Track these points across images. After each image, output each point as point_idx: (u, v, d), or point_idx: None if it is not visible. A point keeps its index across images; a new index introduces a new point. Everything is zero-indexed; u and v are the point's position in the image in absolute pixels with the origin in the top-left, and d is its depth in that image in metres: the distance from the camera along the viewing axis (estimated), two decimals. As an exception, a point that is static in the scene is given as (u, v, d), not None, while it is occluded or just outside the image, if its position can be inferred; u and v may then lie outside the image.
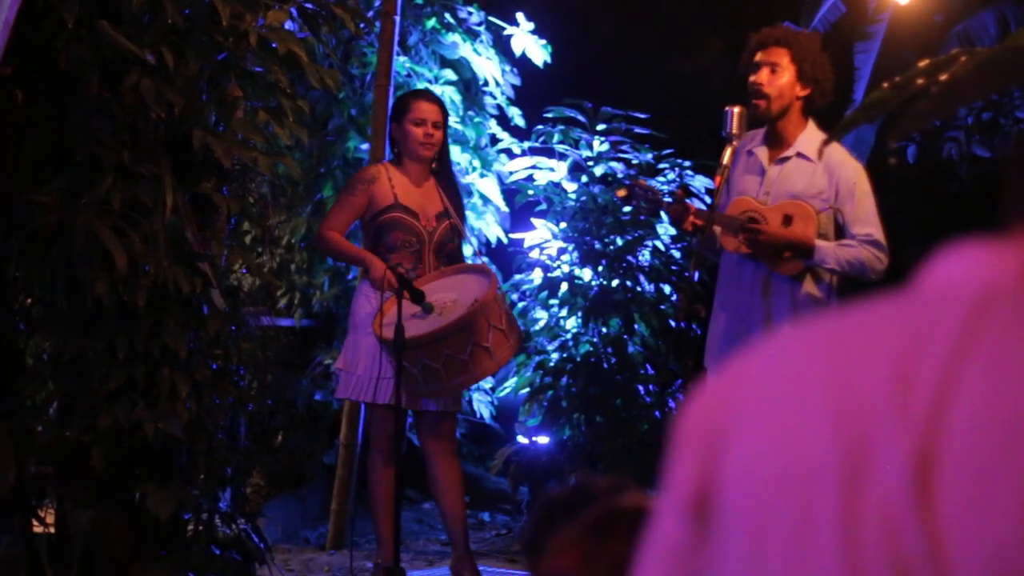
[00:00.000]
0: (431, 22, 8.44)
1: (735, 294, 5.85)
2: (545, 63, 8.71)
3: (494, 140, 8.68)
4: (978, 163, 8.65)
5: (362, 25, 6.68)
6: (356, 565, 7.63)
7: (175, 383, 5.98)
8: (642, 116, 8.57)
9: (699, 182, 8.53)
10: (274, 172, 6.22)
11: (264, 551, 6.37)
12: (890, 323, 1.27)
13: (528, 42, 8.68)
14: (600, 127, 8.54)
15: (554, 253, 8.41)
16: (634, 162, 8.51)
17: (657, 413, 8.44)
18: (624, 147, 8.53)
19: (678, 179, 8.46)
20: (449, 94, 8.48)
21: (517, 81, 8.74)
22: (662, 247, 8.40)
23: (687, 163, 8.55)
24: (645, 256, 8.42)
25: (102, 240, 5.67)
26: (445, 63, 8.57)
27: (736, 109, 5.63)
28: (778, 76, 5.79)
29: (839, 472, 1.21)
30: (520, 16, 8.68)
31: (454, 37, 8.55)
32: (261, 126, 6.18)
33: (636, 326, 8.32)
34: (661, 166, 8.52)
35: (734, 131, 5.61)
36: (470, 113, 8.62)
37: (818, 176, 5.77)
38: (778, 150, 5.86)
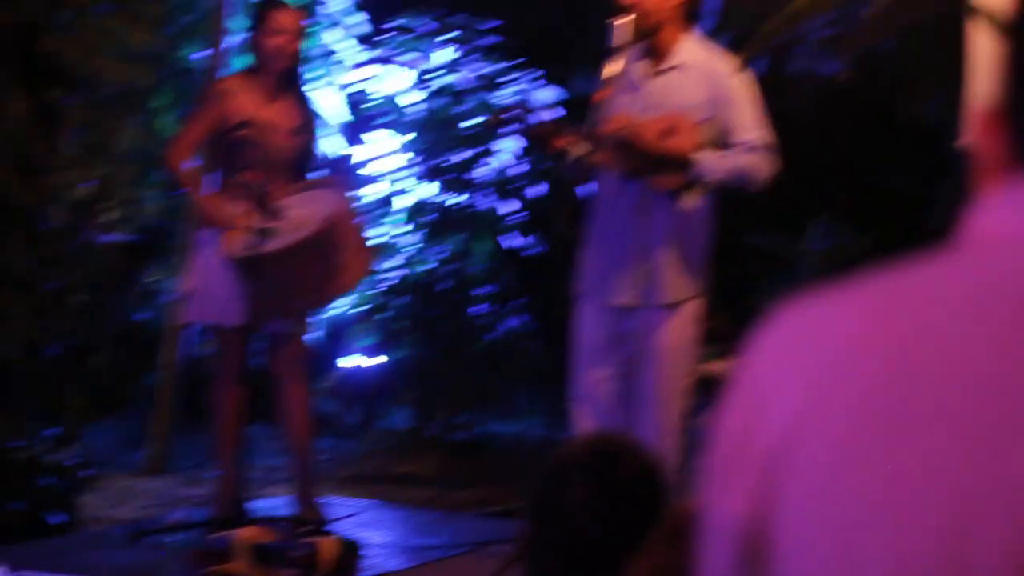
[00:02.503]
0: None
1: (610, 215, 5.67)
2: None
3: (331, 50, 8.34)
4: (819, 80, 8.64)
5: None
6: (177, 490, 7.39)
7: (14, 302, 5.67)
8: (492, 24, 8.35)
9: (544, 95, 8.35)
10: (125, 80, 5.90)
11: (87, 481, 6.13)
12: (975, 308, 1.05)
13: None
14: (449, 36, 8.29)
15: (397, 167, 8.16)
16: (478, 74, 8.28)
17: (493, 334, 8.32)
18: (473, 57, 8.30)
19: (523, 90, 8.27)
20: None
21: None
22: (503, 161, 8.23)
23: (538, 73, 8.35)
24: (483, 171, 8.25)
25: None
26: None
27: (618, 22, 5.44)
28: None
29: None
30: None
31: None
32: (112, 31, 5.85)
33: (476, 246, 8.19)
34: (508, 77, 8.31)
35: (620, 44, 5.44)
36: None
37: (698, 86, 5.59)
38: (656, 63, 5.67)
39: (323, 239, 5.83)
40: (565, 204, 5.29)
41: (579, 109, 8.66)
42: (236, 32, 7.62)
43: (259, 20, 6.21)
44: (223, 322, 6.04)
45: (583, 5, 9.87)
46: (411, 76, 8.33)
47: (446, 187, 8.17)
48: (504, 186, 8.29)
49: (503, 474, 7.94)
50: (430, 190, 8.25)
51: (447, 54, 8.35)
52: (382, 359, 8.27)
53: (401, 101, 8.27)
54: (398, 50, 8.29)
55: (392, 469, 7.99)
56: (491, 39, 8.44)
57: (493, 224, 8.27)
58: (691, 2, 5.69)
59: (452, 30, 8.36)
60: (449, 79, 8.33)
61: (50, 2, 5.59)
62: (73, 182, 6.04)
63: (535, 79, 8.45)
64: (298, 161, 6.28)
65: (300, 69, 6.36)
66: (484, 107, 8.28)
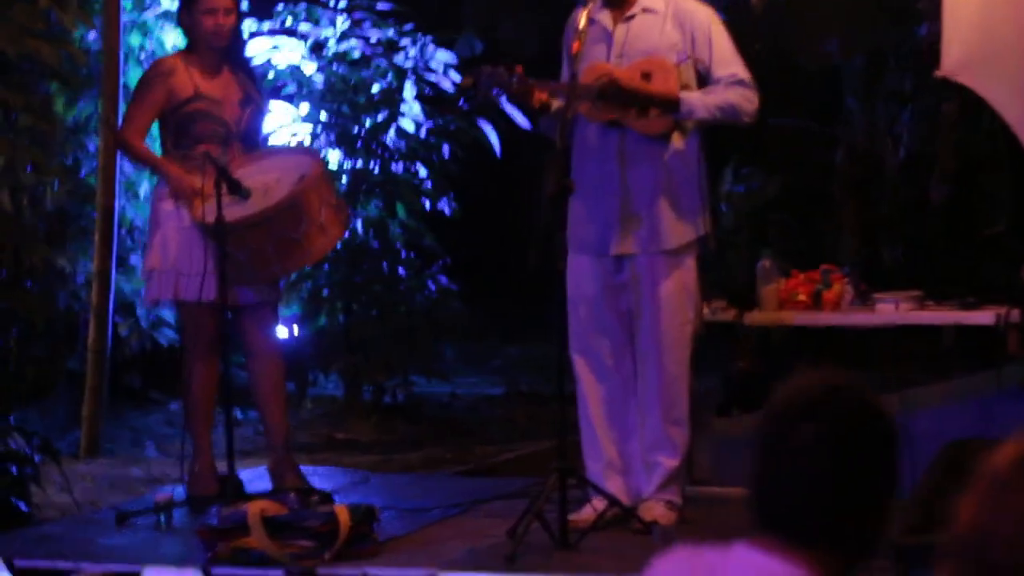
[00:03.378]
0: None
1: (597, 166, 5.57)
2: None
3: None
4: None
5: None
6: (115, 472, 7.31)
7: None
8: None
9: (441, 57, 8.37)
10: (58, 61, 5.80)
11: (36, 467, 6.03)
12: None
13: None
14: (342, 4, 8.26)
15: (304, 138, 8.12)
16: (373, 40, 8.27)
17: (418, 297, 8.34)
18: (365, 24, 8.29)
19: (419, 55, 8.28)
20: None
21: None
22: (411, 126, 8.24)
23: (428, 38, 8.37)
24: (391, 136, 8.25)
25: None
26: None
27: None
28: None
29: None
30: None
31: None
32: (43, 12, 5.74)
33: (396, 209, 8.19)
34: (403, 43, 8.32)
35: None
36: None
37: (669, 28, 5.55)
38: (621, 9, 5.60)
39: (296, 202, 5.80)
40: (554, 160, 5.22)
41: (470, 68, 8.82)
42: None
43: (189, 0, 6.16)
44: (191, 296, 5.97)
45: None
46: (305, 47, 8.30)
47: (357, 154, 8.17)
48: (416, 149, 8.31)
49: (444, 434, 8.02)
50: (338, 157, 8.23)
51: (339, 23, 8.32)
52: (307, 327, 8.25)
53: (301, 71, 8.23)
54: (292, 22, 8.24)
55: (331, 435, 7.99)
56: (382, 6, 8.43)
57: (410, 188, 8.29)
58: None
59: (341, -1, 8.34)
60: (344, 47, 8.30)
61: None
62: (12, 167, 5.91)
63: (430, 43, 8.46)
64: (249, 132, 6.25)
65: (239, 43, 6.32)
66: (382, 72, 8.29)
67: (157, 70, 6.22)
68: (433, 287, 8.42)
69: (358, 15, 8.32)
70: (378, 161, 8.23)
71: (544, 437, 7.78)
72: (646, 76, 5.54)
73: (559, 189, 5.19)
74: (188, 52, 6.23)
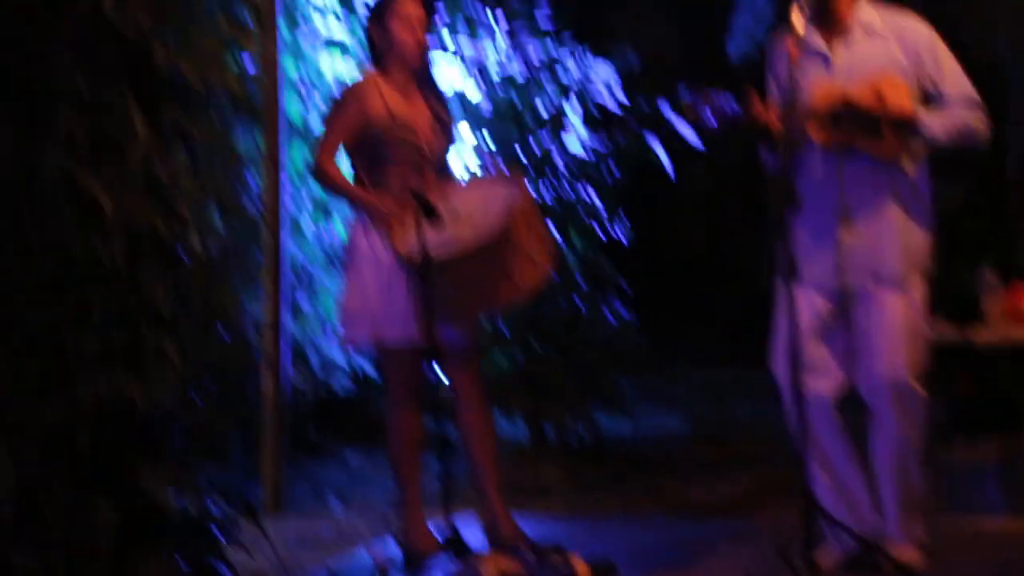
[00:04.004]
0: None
1: (822, 190, 5.22)
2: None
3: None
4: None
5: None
6: (302, 529, 6.90)
7: (160, 342, 5.17)
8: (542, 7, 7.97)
9: (601, 70, 7.96)
10: (244, 93, 5.41)
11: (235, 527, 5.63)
12: None
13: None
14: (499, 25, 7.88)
15: (474, 168, 7.69)
16: (535, 62, 7.86)
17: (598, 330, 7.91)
18: (525, 42, 7.88)
19: (579, 71, 7.87)
20: (332, 3, 7.68)
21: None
22: (579, 147, 7.82)
23: (587, 51, 7.96)
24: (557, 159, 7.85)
25: (82, 184, 4.80)
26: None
27: None
28: None
29: None
30: None
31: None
32: (225, 40, 5.36)
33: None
34: (563, 59, 7.91)
35: (800, 14, 4.98)
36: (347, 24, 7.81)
37: (892, 47, 5.21)
38: (836, 31, 5.28)
39: (505, 233, 5.38)
40: (779, 184, 4.75)
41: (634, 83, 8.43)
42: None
43: (384, 9, 5.74)
44: (394, 339, 5.56)
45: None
46: (464, 68, 7.91)
47: (535, 179, 7.75)
48: (586, 171, 7.89)
49: (634, 474, 7.65)
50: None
51: (499, 38, 7.93)
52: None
53: (466, 97, 7.83)
54: (454, 36, 7.86)
55: (519, 480, 7.56)
56: (542, 22, 8.04)
57: (583, 214, 7.86)
58: None
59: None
60: (509, 69, 7.91)
61: (173, 8, 5.07)
62: (201, 205, 5.53)
63: (588, 53, 8.06)
64: (443, 159, 5.84)
65: (429, 61, 5.91)
66: (542, 88, 7.90)
67: (351, 93, 5.79)
68: (612, 318, 7.97)
69: (517, 26, 7.89)
70: (548, 186, 7.79)
71: (738, 473, 7.41)
72: (879, 95, 5.11)
73: (783, 210, 4.75)
74: (377, 71, 5.80)
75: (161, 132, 5.30)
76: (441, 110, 5.85)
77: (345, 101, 5.78)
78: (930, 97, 5.19)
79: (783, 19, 5.04)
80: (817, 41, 5.24)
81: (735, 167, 11.32)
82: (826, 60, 5.24)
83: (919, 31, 5.24)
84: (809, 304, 5.20)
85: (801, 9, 4.95)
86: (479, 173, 7.35)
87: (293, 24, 7.51)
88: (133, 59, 5.13)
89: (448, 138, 5.87)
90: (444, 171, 5.88)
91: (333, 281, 7.68)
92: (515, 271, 5.42)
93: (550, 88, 7.87)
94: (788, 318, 4.83)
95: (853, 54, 5.24)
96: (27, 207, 4.84)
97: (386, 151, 5.65)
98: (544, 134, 7.85)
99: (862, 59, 5.20)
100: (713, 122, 5.17)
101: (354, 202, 5.78)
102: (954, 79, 5.20)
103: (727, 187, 11.82)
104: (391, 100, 5.69)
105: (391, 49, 5.73)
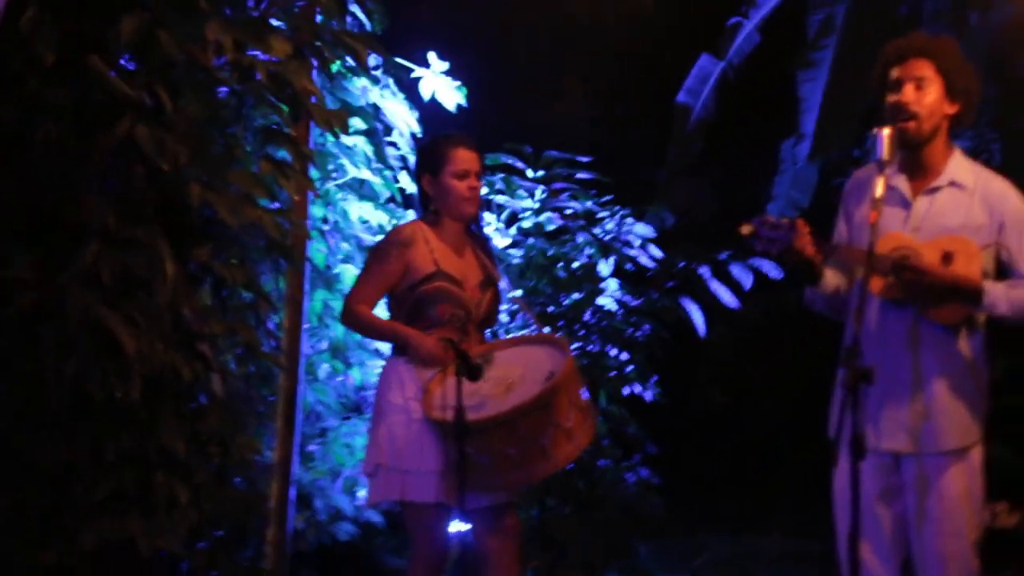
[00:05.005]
0: (336, 66, 7.47)
1: (878, 350, 4.91)
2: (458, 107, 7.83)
3: (405, 196, 7.76)
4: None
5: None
6: None
7: (172, 489, 4.98)
8: (585, 159, 7.82)
9: (639, 230, 7.82)
10: (281, 233, 5.26)
11: None
12: None
13: (439, 84, 7.80)
14: (539, 174, 7.76)
15: (504, 319, 7.49)
16: (568, 213, 7.74)
17: (619, 490, 7.66)
18: (563, 195, 7.76)
19: (617, 229, 7.74)
20: (360, 145, 7.56)
21: (418, 129, 7.82)
22: (612, 304, 7.64)
23: (626, 211, 7.84)
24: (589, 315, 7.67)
25: (103, 322, 4.64)
26: (350, 110, 7.61)
27: (886, 131, 4.67)
28: (925, 92, 4.93)
29: None
30: (432, 56, 7.79)
31: (362, 81, 7.61)
32: (263, 178, 5.22)
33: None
34: (601, 215, 7.78)
35: (886, 157, 4.75)
36: (378, 166, 7.69)
37: (977, 208, 4.96)
38: (924, 179, 5.02)
39: (545, 403, 5.11)
40: (851, 355, 4.46)
41: (669, 243, 8.31)
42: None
43: (439, 160, 5.53)
44: (421, 498, 5.31)
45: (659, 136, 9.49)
46: (502, 218, 7.79)
47: (566, 333, 7.55)
48: (618, 329, 7.71)
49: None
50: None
51: (537, 194, 7.81)
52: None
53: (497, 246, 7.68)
54: (494, 189, 7.73)
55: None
56: (583, 175, 7.93)
57: (610, 371, 7.67)
58: (967, 113, 5.03)
59: (547, 166, 7.84)
60: (542, 218, 7.78)
61: (207, 146, 4.94)
62: (225, 347, 5.36)
63: (625, 215, 7.94)
64: (488, 318, 5.62)
65: (482, 213, 5.72)
66: (579, 246, 7.76)
67: (395, 238, 5.51)
68: (632, 479, 7.74)
69: (557, 185, 7.80)
70: (579, 343, 7.60)
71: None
72: (947, 256, 4.88)
73: (856, 378, 4.46)
74: (428, 222, 5.60)
75: (190, 271, 5.16)
76: (491, 267, 5.64)
77: (387, 245, 5.52)
78: (1004, 267, 4.97)
79: (870, 153, 4.82)
80: (902, 185, 5.04)
81: (760, 326, 11.21)
82: (906, 206, 5.02)
83: (1009, 199, 5.00)
84: (871, 476, 4.93)
85: (891, 152, 4.73)
86: (523, 332, 7.17)
87: (323, 167, 7.38)
88: (166, 195, 5.00)
89: (496, 297, 5.65)
90: (488, 329, 5.66)
91: (344, 427, 7.48)
92: (550, 444, 5.16)
93: (583, 241, 7.70)
94: (852, 494, 4.53)
95: (934, 206, 4.99)
96: (46, 341, 4.68)
97: (429, 308, 5.40)
98: (580, 291, 7.66)
99: (942, 213, 4.97)
100: (771, 247, 4.96)
101: (394, 338, 5.49)
102: None
103: (752, 348, 11.69)
104: (439, 252, 5.47)
105: (445, 200, 5.51)
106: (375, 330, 5.58)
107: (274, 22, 5.36)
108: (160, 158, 4.73)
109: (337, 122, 5.37)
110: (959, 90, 4.96)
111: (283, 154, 5.50)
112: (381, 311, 5.65)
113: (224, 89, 5.19)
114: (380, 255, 5.47)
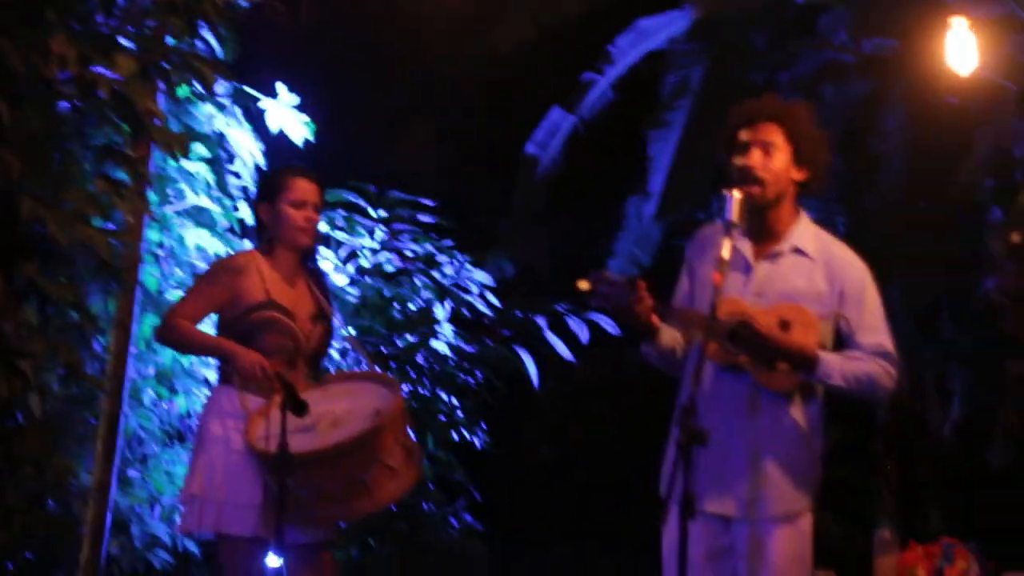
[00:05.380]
0: (184, 90, 7.36)
1: (713, 413, 4.79)
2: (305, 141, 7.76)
3: (244, 226, 7.64)
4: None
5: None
6: None
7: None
8: (429, 203, 7.79)
9: (478, 277, 7.81)
10: (112, 254, 5.14)
11: None
12: None
13: (287, 117, 7.71)
14: (381, 214, 7.71)
15: (336, 357, 7.40)
16: (409, 254, 7.70)
17: (441, 535, 7.58)
18: (403, 237, 7.72)
19: (456, 274, 7.72)
20: (202, 172, 7.44)
21: (262, 161, 7.73)
22: (445, 349, 7.60)
23: (466, 257, 7.82)
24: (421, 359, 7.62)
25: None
26: (193, 136, 7.48)
27: (736, 194, 4.71)
28: (772, 158, 4.92)
29: None
30: (280, 87, 7.71)
31: (209, 108, 7.51)
32: (98, 197, 5.11)
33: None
34: (440, 259, 7.75)
35: (735, 219, 4.72)
36: (218, 194, 7.57)
37: (818, 276, 4.96)
38: (767, 244, 5.00)
39: (368, 440, 5.05)
40: (687, 414, 4.43)
41: (508, 293, 8.31)
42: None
43: (276, 188, 5.47)
44: (237, 531, 5.21)
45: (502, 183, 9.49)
46: (335, 256, 7.71)
47: (398, 375, 7.49)
48: (450, 374, 7.67)
49: None
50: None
51: (377, 234, 7.76)
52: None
53: (333, 282, 7.60)
54: (334, 226, 7.66)
55: None
56: (425, 218, 7.90)
57: (440, 416, 7.62)
58: (815, 180, 5.03)
59: (389, 206, 7.80)
60: (380, 258, 7.73)
61: (44, 161, 4.82)
62: (46, 367, 5.23)
63: (465, 262, 7.93)
64: (318, 352, 5.54)
65: (316, 249, 5.66)
66: (416, 289, 7.71)
67: (226, 265, 5.45)
68: (456, 524, 7.69)
69: (398, 226, 7.76)
70: (410, 386, 7.55)
71: None
72: (784, 324, 4.88)
73: (690, 438, 4.45)
74: (262, 252, 5.53)
75: (15, 286, 5.03)
76: (325, 301, 5.58)
77: (218, 270, 5.45)
78: (842, 336, 5.00)
79: (718, 212, 4.81)
80: (745, 249, 5.00)
81: (592, 381, 11.23)
82: (747, 270, 5.01)
83: (852, 269, 5.00)
84: (694, 534, 4.89)
85: (740, 215, 4.73)
86: (352, 368, 7.10)
87: (161, 191, 7.25)
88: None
89: (328, 331, 5.58)
90: (317, 366, 5.58)
91: (166, 454, 7.34)
92: (373, 482, 5.09)
93: (421, 284, 7.66)
94: (680, 554, 4.51)
95: (776, 272, 4.98)
96: None
97: (258, 336, 5.31)
98: (414, 333, 7.61)
99: (783, 279, 4.96)
100: (608, 303, 4.94)
101: (217, 351, 5.37)
102: (871, 325, 4.95)
103: (583, 401, 11.71)
104: (271, 282, 5.40)
105: (280, 228, 5.45)
106: (195, 344, 5.45)
107: (123, 41, 5.26)
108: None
109: (178, 146, 5.29)
110: (807, 158, 4.98)
111: (122, 175, 5.40)
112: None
113: (66, 104, 5.08)
114: (208, 278, 5.42)
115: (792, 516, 4.95)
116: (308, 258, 5.58)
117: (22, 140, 4.74)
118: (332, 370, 6.87)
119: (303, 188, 5.44)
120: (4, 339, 4.87)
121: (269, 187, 5.50)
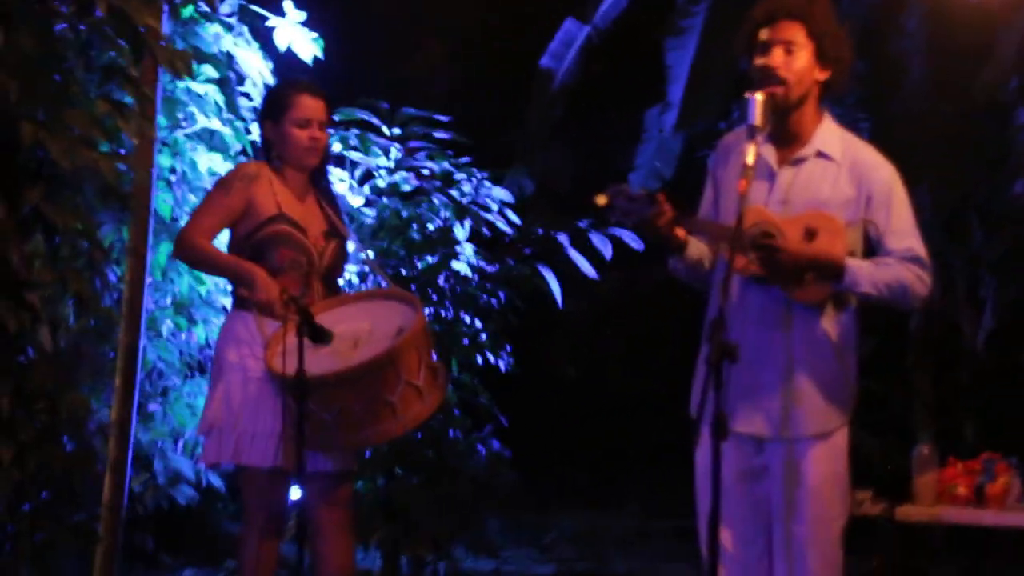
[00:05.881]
0: (188, 10, 7.17)
1: (743, 328, 4.67)
2: (315, 59, 7.56)
3: (256, 148, 7.47)
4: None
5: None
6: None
7: (-5, 448, 4.70)
8: (444, 119, 7.58)
9: (497, 194, 7.61)
10: (117, 181, 4.96)
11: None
12: None
13: (296, 35, 7.52)
14: (395, 131, 7.50)
15: (355, 281, 7.21)
16: (425, 172, 7.50)
17: (469, 463, 7.41)
18: (419, 155, 7.51)
19: (474, 192, 7.52)
20: (212, 94, 7.25)
21: (272, 80, 7.55)
22: (467, 270, 7.41)
23: (484, 174, 7.62)
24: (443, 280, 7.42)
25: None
26: (201, 57, 7.31)
27: (759, 96, 4.49)
28: (795, 57, 4.71)
29: None
30: (288, 5, 7.51)
31: (215, 28, 7.31)
32: (101, 119, 4.93)
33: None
34: (458, 177, 7.55)
35: (758, 123, 4.44)
36: (229, 116, 7.39)
37: (844, 180, 4.74)
38: (790, 148, 4.79)
39: (393, 359, 4.91)
40: (716, 328, 4.23)
41: (528, 209, 8.11)
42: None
43: (280, 106, 5.31)
44: (257, 461, 5.07)
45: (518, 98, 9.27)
46: (355, 175, 7.52)
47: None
48: (472, 296, 7.48)
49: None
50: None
51: (392, 152, 7.55)
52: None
53: (348, 203, 7.40)
54: (348, 145, 7.45)
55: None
56: (441, 135, 7.68)
57: (463, 339, 7.43)
58: (838, 80, 4.82)
59: (402, 123, 7.59)
60: (396, 178, 7.53)
61: (43, 82, 4.63)
62: (56, 298, 5.07)
63: (483, 179, 7.72)
64: (331, 270, 5.38)
65: (327, 163, 5.48)
66: (435, 208, 7.51)
67: (240, 173, 5.30)
68: (483, 451, 7.52)
69: (413, 144, 7.55)
70: (432, 309, 7.36)
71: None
72: (810, 233, 4.67)
73: (721, 354, 4.25)
74: (272, 165, 5.37)
75: (19, 215, 4.86)
76: (336, 219, 5.41)
77: (232, 178, 5.29)
78: (871, 242, 4.81)
79: (741, 117, 4.59)
80: (769, 155, 4.81)
81: (618, 299, 11.08)
82: (771, 177, 4.79)
83: (879, 171, 4.79)
84: (733, 457, 4.73)
85: (764, 118, 4.52)
86: (370, 286, 6.94)
87: (171, 115, 7.07)
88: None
89: (342, 249, 5.41)
90: (332, 285, 5.41)
91: (188, 386, 7.20)
92: (398, 403, 4.95)
93: (439, 203, 7.46)
94: (712, 475, 4.34)
95: (800, 179, 4.79)
96: None
97: (269, 251, 5.17)
98: (429, 251, 7.42)
99: (806, 185, 4.76)
100: (627, 219, 4.76)
101: (235, 272, 5.19)
102: (900, 229, 4.75)
103: (609, 320, 11.55)
104: (282, 196, 5.24)
105: (286, 148, 5.29)
106: (213, 263, 5.30)
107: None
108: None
109: (181, 64, 5.10)
110: (831, 56, 4.77)
111: (128, 98, 5.23)
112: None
113: (63, 25, 4.89)
114: (223, 187, 5.27)
115: (828, 433, 4.78)
116: (319, 177, 5.42)
117: (18, 62, 4.54)
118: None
119: (307, 105, 5.28)
120: (10, 270, 4.70)
121: (273, 105, 5.36)
